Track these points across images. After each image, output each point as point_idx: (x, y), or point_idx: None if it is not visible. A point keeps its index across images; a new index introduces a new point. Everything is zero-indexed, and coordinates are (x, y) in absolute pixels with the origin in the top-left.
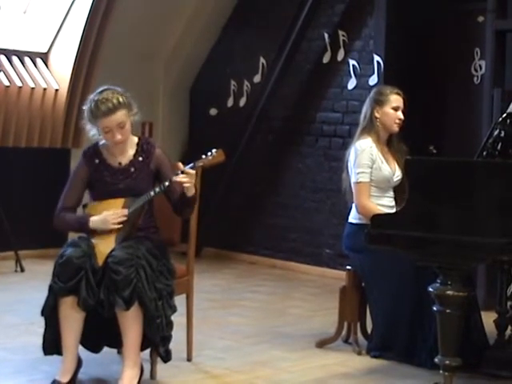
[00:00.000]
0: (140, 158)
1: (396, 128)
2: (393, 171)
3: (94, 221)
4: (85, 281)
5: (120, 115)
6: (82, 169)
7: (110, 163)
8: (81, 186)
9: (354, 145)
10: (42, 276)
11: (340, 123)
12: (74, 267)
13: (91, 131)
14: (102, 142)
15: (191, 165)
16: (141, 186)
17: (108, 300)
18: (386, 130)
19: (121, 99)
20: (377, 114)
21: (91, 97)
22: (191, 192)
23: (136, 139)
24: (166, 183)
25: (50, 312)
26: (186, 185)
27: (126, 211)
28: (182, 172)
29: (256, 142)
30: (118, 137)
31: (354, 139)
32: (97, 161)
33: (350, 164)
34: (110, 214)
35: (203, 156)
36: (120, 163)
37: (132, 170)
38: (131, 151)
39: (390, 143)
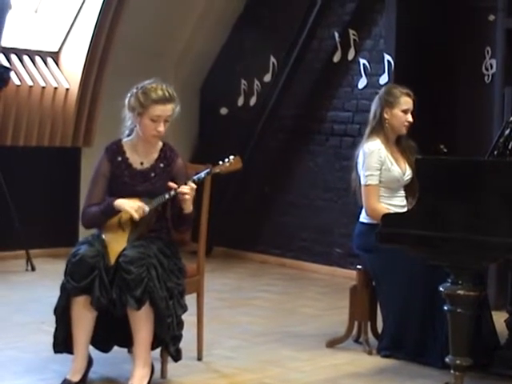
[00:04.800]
0: (161, 165)
1: (404, 130)
2: (403, 171)
3: (120, 200)
4: (98, 280)
5: (172, 107)
6: (104, 165)
7: (132, 163)
8: (104, 183)
9: (363, 147)
10: (53, 275)
11: (350, 122)
12: (88, 266)
13: (127, 121)
14: (126, 138)
15: (207, 170)
16: (158, 191)
17: (120, 299)
18: (394, 131)
19: (175, 93)
20: (386, 116)
21: (142, 84)
22: (189, 208)
23: (161, 144)
24: (172, 192)
25: (62, 311)
26: (185, 196)
27: (147, 209)
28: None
29: (266, 142)
30: (161, 128)
31: (363, 139)
32: (119, 158)
33: (359, 166)
34: (137, 203)
35: (220, 162)
36: (142, 163)
37: (152, 174)
38: (155, 155)
39: (399, 142)
